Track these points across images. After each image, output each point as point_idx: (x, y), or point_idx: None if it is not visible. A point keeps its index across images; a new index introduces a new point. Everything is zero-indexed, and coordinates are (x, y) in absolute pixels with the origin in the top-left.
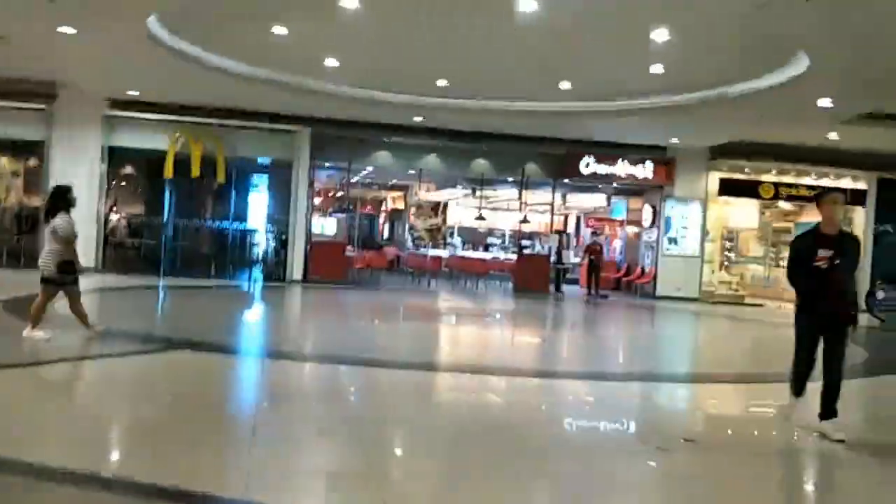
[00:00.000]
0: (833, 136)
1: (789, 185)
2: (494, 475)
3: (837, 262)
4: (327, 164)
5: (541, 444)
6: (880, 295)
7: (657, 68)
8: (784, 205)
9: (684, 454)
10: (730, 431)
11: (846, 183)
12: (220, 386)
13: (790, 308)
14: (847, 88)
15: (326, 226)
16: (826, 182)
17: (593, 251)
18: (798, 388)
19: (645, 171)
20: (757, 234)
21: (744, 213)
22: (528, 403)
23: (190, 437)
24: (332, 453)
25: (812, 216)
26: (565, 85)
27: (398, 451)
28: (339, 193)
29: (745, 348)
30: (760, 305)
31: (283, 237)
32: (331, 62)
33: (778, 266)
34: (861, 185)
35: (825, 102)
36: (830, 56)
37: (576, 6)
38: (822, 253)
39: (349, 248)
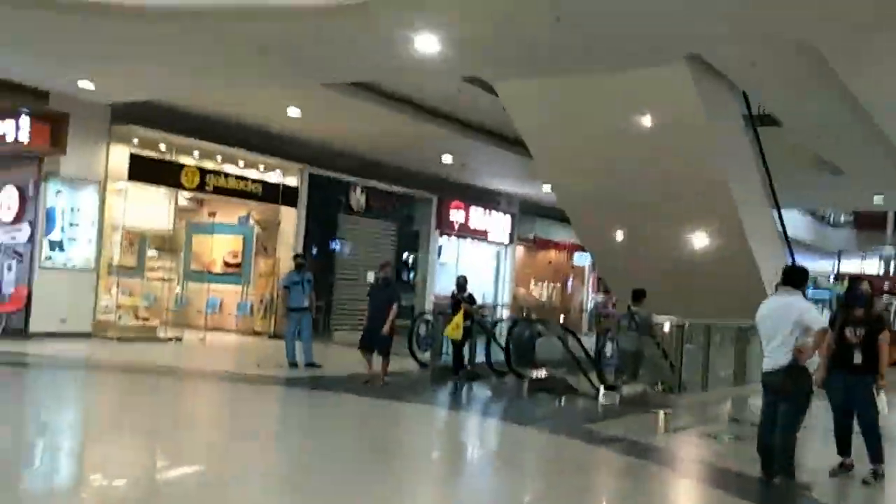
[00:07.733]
0: (294, 112)
1: (216, 173)
2: None
3: None
4: None
5: None
6: None
7: None
8: (187, 197)
9: None
10: None
11: (275, 177)
12: None
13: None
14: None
15: None
16: (254, 174)
17: None
18: None
19: (19, 129)
20: (172, 238)
21: (151, 208)
22: None
23: None
24: None
25: (228, 216)
26: None
27: None
28: None
29: None
30: (179, 339)
31: None
32: None
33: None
34: (292, 181)
35: None
36: None
37: None
38: None
39: None
